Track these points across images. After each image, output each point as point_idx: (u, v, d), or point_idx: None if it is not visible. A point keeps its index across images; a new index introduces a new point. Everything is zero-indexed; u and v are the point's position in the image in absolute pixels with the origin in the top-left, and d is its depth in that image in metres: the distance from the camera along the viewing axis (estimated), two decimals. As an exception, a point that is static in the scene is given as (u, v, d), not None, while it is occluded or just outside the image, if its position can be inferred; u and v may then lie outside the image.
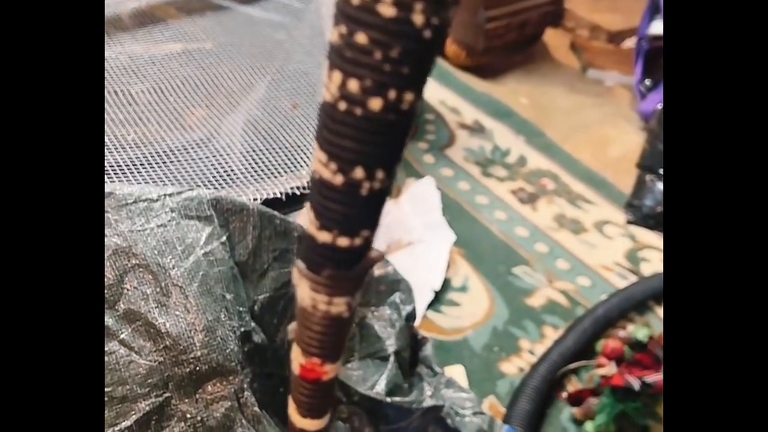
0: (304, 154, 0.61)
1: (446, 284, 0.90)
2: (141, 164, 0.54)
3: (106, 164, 0.53)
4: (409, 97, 0.21)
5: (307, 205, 0.24)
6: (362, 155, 0.22)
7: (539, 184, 1.11)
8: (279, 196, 0.54)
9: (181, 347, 0.41)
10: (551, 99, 1.30)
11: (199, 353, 0.41)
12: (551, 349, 0.82)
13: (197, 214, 0.45)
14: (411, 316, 0.59)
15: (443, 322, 0.86)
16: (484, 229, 1.00)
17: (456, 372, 0.78)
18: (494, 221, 1.02)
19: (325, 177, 0.22)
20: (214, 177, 0.53)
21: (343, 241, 0.24)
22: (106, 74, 0.63)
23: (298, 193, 0.57)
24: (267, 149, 0.59)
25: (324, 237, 0.24)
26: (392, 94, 0.20)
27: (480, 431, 0.55)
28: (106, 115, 0.59)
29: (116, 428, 0.40)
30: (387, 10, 0.19)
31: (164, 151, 0.57)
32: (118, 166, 0.54)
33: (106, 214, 0.42)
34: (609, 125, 1.23)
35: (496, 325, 0.87)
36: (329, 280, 0.25)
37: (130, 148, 0.55)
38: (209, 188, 0.47)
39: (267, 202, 0.54)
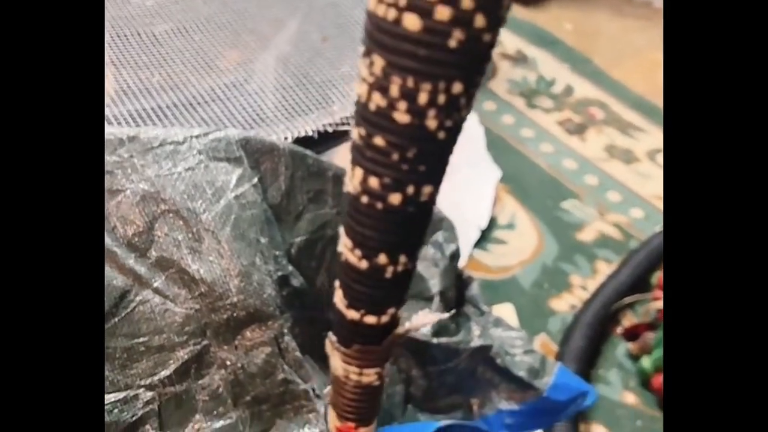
0: (336, 89, 0.59)
1: (493, 222, 0.88)
2: (168, 108, 0.52)
3: (131, 109, 0.51)
4: (427, 190, 0.22)
5: (337, 283, 0.25)
6: (385, 243, 0.23)
7: (587, 114, 1.07)
8: (311, 134, 0.52)
9: (217, 293, 0.39)
10: (597, 24, 1.24)
11: (235, 299, 0.40)
12: (604, 284, 0.79)
13: (226, 155, 0.43)
14: (455, 255, 0.57)
15: (490, 261, 0.84)
16: (530, 164, 0.97)
17: (505, 311, 0.76)
18: (541, 154, 0.99)
19: (351, 261, 0.24)
20: (243, 117, 0.51)
21: (370, 319, 0.25)
22: (128, 15, 0.61)
23: (330, 130, 0.54)
24: (297, 86, 0.56)
25: (352, 315, 0.25)
26: (410, 190, 0.21)
27: (531, 370, 0.53)
28: (129, 58, 0.57)
29: (155, 378, 0.39)
30: (402, 117, 0.20)
31: (192, 95, 0.55)
32: (144, 111, 0.52)
33: (131, 159, 0.40)
34: (658, 49, 1.16)
35: (546, 262, 0.84)
36: (359, 353, 0.27)
37: (156, 92, 0.53)
38: (237, 129, 0.45)
39: (298, 141, 0.52)
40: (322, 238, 0.47)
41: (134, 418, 0.38)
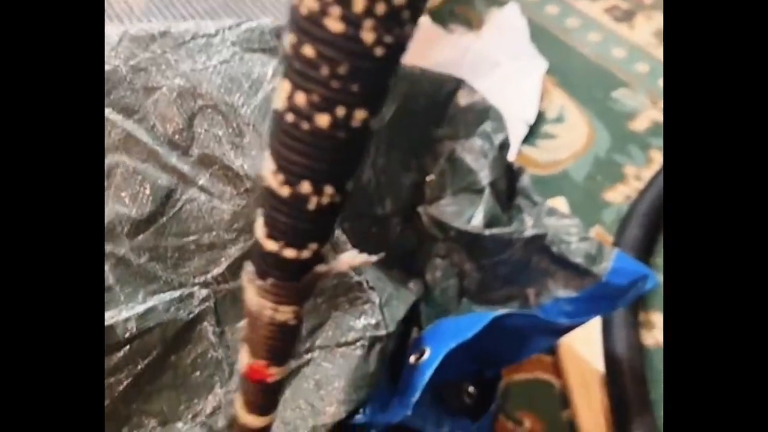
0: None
1: (540, 116, 0.85)
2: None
3: (159, 4, 0.49)
4: (360, 114, 0.19)
5: (258, 210, 0.23)
6: (309, 170, 0.20)
7: (634, 0, 1.01)
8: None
9: (262, 188, 0.38)
10: None
11: (281, 193, 0.39)
12: (660, 172, 0.76)
13: (260, 46, 0.41)
14: (504, 145, 0.55)
15: (540, 156, 0.81)
16: (577, 54, 0.93)
17: (558, 205, 0.74)
18: (588, 44, 0.94)
19: (272, 186, 0.21)
20: (275, 6, 0.49)
21: (289, 253, 0.23)
22: None
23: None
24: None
25: (270, 246, 0.23)
26: (340, 111, 0.19)
27: (588, 256, 0.51)
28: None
29: (208, 275, 0.39)
30: (334, 25, 0.17)
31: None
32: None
33: (164, 55, 0.39)
34: None
35: (598, 154, 0.81)
36: (274, 288, 0.24)
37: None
38: (270, 18, 0.43)
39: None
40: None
41: (191, 316, 0.38)
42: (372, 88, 0.19)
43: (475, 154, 0.54)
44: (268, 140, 0.21)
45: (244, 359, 0.27)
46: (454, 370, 0.54)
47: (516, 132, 0.82)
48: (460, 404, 0.58)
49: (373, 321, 0.41)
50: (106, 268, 0.36)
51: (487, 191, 0.53)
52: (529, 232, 0.52)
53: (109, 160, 0.38)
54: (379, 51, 0.18)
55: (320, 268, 0.24)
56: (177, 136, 0.39)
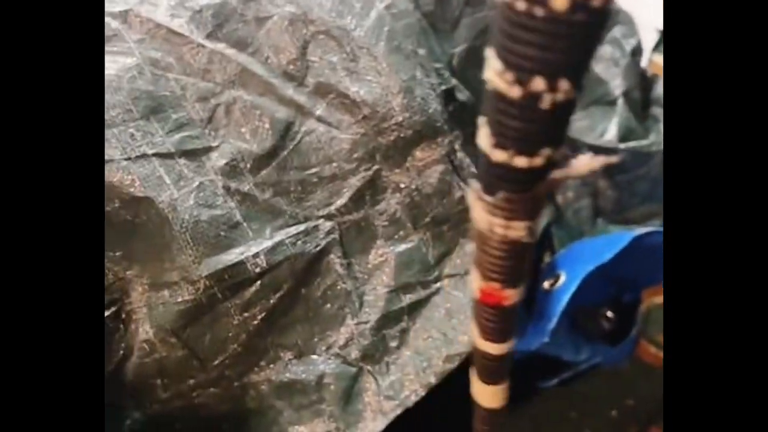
0: None
1: (673, 20, 0.78)
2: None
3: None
4: None
5: (482, 119, 0.21)
6: (543, 63, 0.18)
7: None
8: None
9: (381, 114, 0.37)
10: None
11: (400, 118, 0.37)
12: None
13: (369, -36, 0.39)
14: (637, 51, 0.51)
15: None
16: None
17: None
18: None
19: (500, 88, 0.19)
20: None
21: (520, 161, 0.21)
22: None
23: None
24: None
25: (499, 156, 0.21)
26: None
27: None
28: None
29: (332, 207, 0.38)
30: None
31: None
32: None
33: (270, -17, 0.38)
34: None
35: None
36: (506, 202, 0.22)
37: None
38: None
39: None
40: (485, 45, 0.43)
41: (318, 248, 0.38)
42: None
43: (605, 63, 0.50)
44: (491, 39, 0.19)
45: (475, 283, 0.26)
46: (591, 294, 0.52)
47: (646, 39, 0.76)
48: (598, 329, 0.56)
49: (503, 246, 0.39)
50: (233, 204, 0.36)
51: (621, 102, 0.49)
52: (669, 143, 0.48)
53: (227, 96, 0.37)
54: None
55: (555, 174, 0.22)
56: (291, 67, 0.38)
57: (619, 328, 0.56)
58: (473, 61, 0.42)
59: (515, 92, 0.19)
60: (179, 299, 0.35)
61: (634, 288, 0.55)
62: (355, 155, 0.38)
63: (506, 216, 0.22)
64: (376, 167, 0.38)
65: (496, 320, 0.27)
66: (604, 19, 0.17)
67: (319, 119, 0.38)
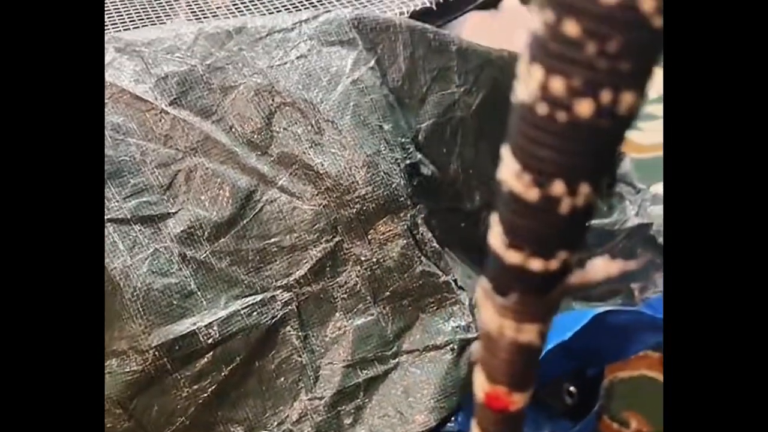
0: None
1: (641, 95, 0.79)
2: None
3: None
4: (628, 98, 0.16)
5: (495, 218, 0.20)
6: (564, 168, 0.18)
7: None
8: (429, 5, 0.47)
9: (344, 187, 0.37)
10: None
11: (363, 191, 0.37)
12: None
13: (338, 38, 0.39)
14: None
15: (642, 139, 0.76)
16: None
17: (662, 189, 0.69)
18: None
19: (516, 190, 0.19)
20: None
21: (536, 264, 0.20)
22: None
23: (450, -1, 0.49)
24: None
25: (514, 257, 0.20)
26: (606, 96, 0.16)
27: (699, 248, 0.47)
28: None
29: (291, 278, 0.38)
30: None
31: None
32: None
33: (241, 52, 0.38)
34: None
35: (706, 133, 0.75)
36: (518, 305, 0.21)
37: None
38: (347, 8, 0.42)
39: (416, 15, 0.48)
40: (451, 121, 0.43)
41: (274, 320, 0.37)
42: (644, 65, 0.17)
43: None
44: (507, 139, 0.18)
45: (480, 386, 0.25)
46: (553, 369, 0.52)
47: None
48: (560, 405, 0.56)
49: (463, 323, 0.39)
50: (187, 273, 0.36)
51: (585, 180, 0.49)
52: (632, 221, 0.49)
53: (188, 162, 0.37)
54: (657, 20, 0.15)
55: (572, 279, 0.21)
56: (256, 136, 0.38)
57: (583, 403, 0.55)
58: (439, 136, 0.43)
59: (533, 195, 0.18)
60: (127, 369, 0.34)
61: (597, 363, 0.55)
62: (317, 226, 0.38)
63: (518, 318, 0.21)
64: (337, 239, 0.38)
65: (501, 425, 0.26)
66: (630, 124, 0.17)
67: (282, 189, 0.38)
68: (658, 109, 0.78)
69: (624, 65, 0.16)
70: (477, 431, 0.27)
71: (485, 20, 0.52)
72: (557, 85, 0.16)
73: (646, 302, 0.50)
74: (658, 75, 0.19)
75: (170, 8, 0.50)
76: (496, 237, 0.20)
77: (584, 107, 0.16)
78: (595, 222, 0.47)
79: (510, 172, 0.18)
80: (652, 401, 0.58)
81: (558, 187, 0.18)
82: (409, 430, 0.37)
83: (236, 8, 0.46)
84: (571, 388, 0.56)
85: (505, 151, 0.18)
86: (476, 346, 0.24)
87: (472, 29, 0.49)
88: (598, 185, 0.19)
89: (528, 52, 0.17)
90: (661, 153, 0.73)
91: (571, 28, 0.15)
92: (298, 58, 0.38)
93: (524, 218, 0.19)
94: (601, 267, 0.23)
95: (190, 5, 0.48)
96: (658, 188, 0.68)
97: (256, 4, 0.47)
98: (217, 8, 0.53)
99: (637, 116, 0.17)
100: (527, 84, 0.17)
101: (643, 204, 0.51)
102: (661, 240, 0.47)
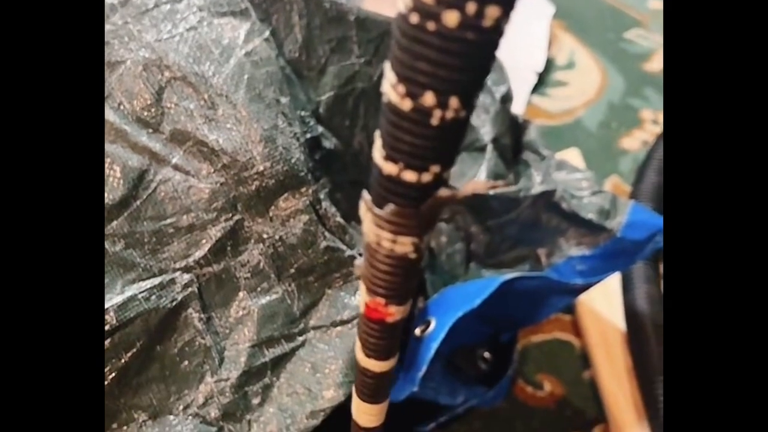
0: None
1: (550, 64, 0.81)
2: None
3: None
4: (492, 12, 0.17)
5: (377, 132, 0.21)
6: (434, 79, 0.18)
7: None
8: (324, -26, 0.46)
9: (241, 163, 0.36)
10: None
11: (261, 167, 0.36)
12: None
13: (230, 9, 0.38)
14: (506, 98, 0.52)
15: (551, 106, 0.77)
16: (586, -6, 0.88)
17: (571, 156, 0.70)
18: (597, -18, 0.90)
19: (393, 100, 0.19)
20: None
21: (409, 175, 0.21)
22: None
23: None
24: None
25: (389, 168, 0.21)
26: (471, 8, 0.16)
27: (601, 211, 0.48)
28: None
29: (190, 259, 0.37)
30: None
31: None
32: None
33: (127, 26, 0.36)
34: None
35: (612, 99, 0.77)
36: (393, 216, 0.22)
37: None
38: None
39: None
40: (353, 92, 0.43)
41: (174, 303, 0.36)
42: None
43: (475, 110, 0.50)
44: (389, 50, 0.19)
45: (362, 297, 0.26)
46: (466, 336, 0.52)
47: (525, 82, 0.78)
48: (475, 370, 0.56)
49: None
50: (78, 259, 0.34)
51: (490, 148, 0.50)
52: (537, 188, 0.49)
53: (76, 143, 0.35)
54: None
55: (442, 192, 0.22)
56: (146, 113, 0.36)
57: (497, 368, 0.56)
58: (341, 108, 0.42)
59: (406, 105, 0.19)
60: (17, 362, 0.33)
61: (509, 328, 0.56)
62: (215, 205, 0.37)
63: (394, 230, 0.22)
64: (237, 217, 0.37)
65: (378, 336, 0.27)
66: (496, 40, 0.18)
67: (176, 167, 0.36)
68: (565, 76, 0.79)
69: None
70: (358, 344, 0.28)
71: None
72: None
73: (553, 267, 0.51)
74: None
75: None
76: (377, 149, 0.21)
77: (451, 17, 0.17)
78: (500, 190, 0.48)
79: (388, 84, 0.19)
80: (564, 363, 0.59)
81: (429, 99, 0.18)
82: (318, 406, 0.37)
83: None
84: (486, 354, 0.57)
85: (387, 63, 0.19)
86: (360, 261, 0.25)
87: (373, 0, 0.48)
88: (468, 101, 0.19)
89: None
90: (569, 119, 0.75)
91: None
92: (187, 30, 0.37)
93: (399, 129, 0.20)
94: (470, 184, 0.23)
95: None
96: (566, 155, 0.69)
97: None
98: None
99: (503, 33, 0.17)
100: None
101: (548, 170, 0.51)
102: (564, 205, 0.48)
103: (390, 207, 0.22)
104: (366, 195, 0.23)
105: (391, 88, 0.19)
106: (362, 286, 0.25)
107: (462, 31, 0.17)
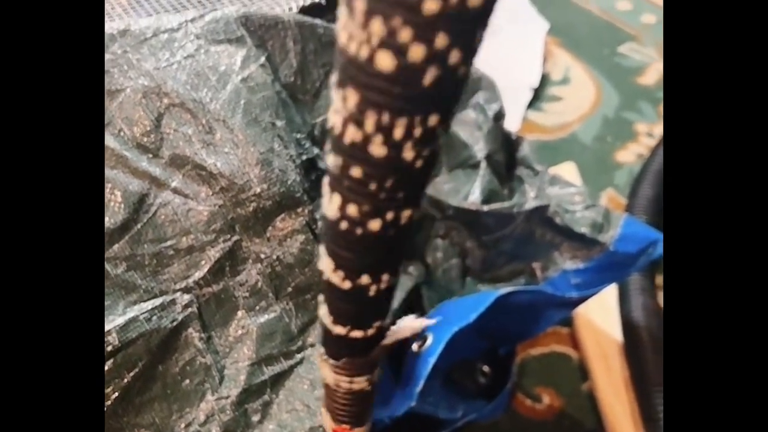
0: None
1: (545, 79, 0.82)
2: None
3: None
4: (406, 214, 0.21)
5: (321, 298, 0.25)
6: (366, 265, 0.23)
7: (639, -54, 0.97)
8: (317, 0, 0.47)
9: (239, 186, 0.37)
10: None
11: (258, 189, 0.37)
12: (672, 127, 0.73)
13: (226, 37, 0.39)
14: (499, 115, 0.53)
15: (546, 121, 0.79)
16: (580, 11, 0.89)
17: (567, 169, 0.71)
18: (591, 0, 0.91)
19: (333, 281, 0.23)
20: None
21: (357, 333, 0.25)
22: None
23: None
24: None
25: (338, 330, 0.25)
26: (390, 216, 0.21)
27: (594, 224, 0.49)
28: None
29: (190, 280, 0.37)
30: (378, 150, 0.19)
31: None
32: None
33: (126, 55, 0.38)
34: None
35: (607, 113, 0.78)
36: (348, 365, 0.27)
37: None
38: (235, 6, 0.41)
39: (305, 11, 0.48)
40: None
41: (175, 323, 0.37)
42: (415, 191, 0.21)
43: (468, 128, 0.52)
44: (323, 240, 0.23)
45: (327, 424, 0.31)
46: (463, 350, 0.53)
47: (520, 98, 0.79)
48: (474, 384, 0.57)
49: (366, 313, 0.39)
50: (81, 282, 0.35)
51: (483, 165, 0.50)
52: (531, 204, 0.50)
53: (78, 169, 0.36)
54: (419, 163, 0.19)
55: (386, 340, 0.27)
56: (145, 139, 0.37)
57: (496, 381, 0.57)
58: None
59: (346, 285, 0.23)
60: (23, 383, 0.33)
61: (507, 342, 0.57)
62: (213, 227, 0.38)
63: (349, 374, 0.27)
64: (235, 238, 0.38)
65: None
66: (412, 228, 0.22)
67: (175, 191, 0.37)
68: (560, 91, 0.80)
69: (399, 194, 0.20)
70: None
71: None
72: (352, 210, 0.20)
73: (548, 281, 0.52)
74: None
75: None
76: (324, 314, 0.25)
77: (374, 224, 0.21)
78: (494, 206, 0.49)
79: (328, 268, 0.23)
80: (562, 376, 0.60)
81: (365, 279, 0.23)
82: (317, 422, 0.38)
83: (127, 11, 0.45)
84: (484, 368, 0.57)
85: (322, 250, 0.23)
86: (322, 393, 0.30)
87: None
88: (396, 271, 0.24)
89: (328, 182, 0.21)
90: (564, 134, 0.76)
91: (356, 171, 0.20)
92: (185, 58, 0.38)
93: (343, 302, 0.24)
94: (408, 324, 0.32)
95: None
96: (562, 169, 0.70)
97: (142, 4, 0.46)
98: (112, 9, 0.52)
99: (414, 224, 0.22)
100: (329, 206, 0.21)
101: (542, 186, 0.52)
102: (558, 219, 0.49)
103: (344, 359, 0.26)
104: (320, 348, 0.27)
105: (331, 273, 0.23)
106: (326, 415, 0.30)
107: (384, 232, 0.21)
